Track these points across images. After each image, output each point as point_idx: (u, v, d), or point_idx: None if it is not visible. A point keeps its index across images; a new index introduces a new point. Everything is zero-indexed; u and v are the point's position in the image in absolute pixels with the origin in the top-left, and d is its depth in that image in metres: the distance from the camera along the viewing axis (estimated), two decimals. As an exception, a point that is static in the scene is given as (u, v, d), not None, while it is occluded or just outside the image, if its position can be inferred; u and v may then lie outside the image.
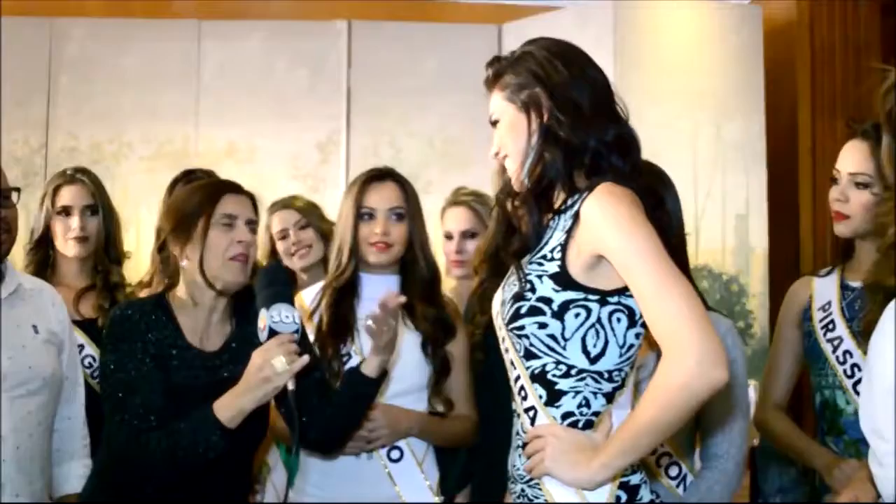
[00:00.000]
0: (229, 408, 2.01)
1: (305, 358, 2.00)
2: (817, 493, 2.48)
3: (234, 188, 2.21)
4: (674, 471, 2.17)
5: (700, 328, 1.53)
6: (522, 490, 1.71)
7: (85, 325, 2.70)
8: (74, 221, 2.83)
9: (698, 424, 2.18)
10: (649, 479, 1.72)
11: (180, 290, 2.18)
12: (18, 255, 2.72)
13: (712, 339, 1.53)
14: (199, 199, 2.18)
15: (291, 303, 2.05)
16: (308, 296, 2.57)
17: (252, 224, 2.20)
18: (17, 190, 2.28)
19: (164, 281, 2.23)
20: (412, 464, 2.44)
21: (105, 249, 2.88)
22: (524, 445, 1.71)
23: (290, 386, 1.99)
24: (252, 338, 2.07)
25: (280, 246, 3.26)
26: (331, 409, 2.22)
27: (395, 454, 2.42)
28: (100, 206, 2.88)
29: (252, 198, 2.24)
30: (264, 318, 2.01)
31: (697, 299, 1.58)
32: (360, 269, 2.49)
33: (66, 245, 2.84)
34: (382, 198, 2.47)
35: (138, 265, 3.16)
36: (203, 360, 2.13)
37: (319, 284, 2.58)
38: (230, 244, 2.13)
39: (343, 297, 2.47)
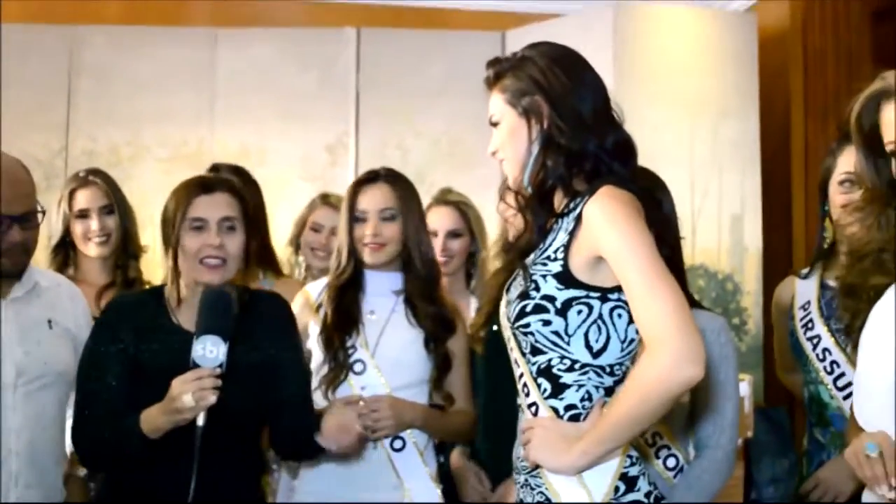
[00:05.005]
0: (149, 422, 2.00)
1: (212, 398, 1.91)
2: (804, 480, 2.52)
3: (205, 188, 2.16)
4: (671, 462, 2.23)
5: (680, 326, 1.56)
6: (526, 480, 1.75)
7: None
8: (94, 223, 2.86)
9: (693, 416, 2.23)
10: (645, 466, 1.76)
11: (171, 286, 2.19)
12: (41, 254, 2.73)
13: (691, 337, 1.56)
14: (173, 202, 2.16)
15: (224, 335, 1.98)
16: (314, 290, 2.64)
17: (228, 221, 2.15)
18: (43, 212, 2.28)
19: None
20: (414, 453, 2.51)
21: (123, 246, 2.90)
22: None
23: (200, 422, 1.94)
24: (251, 325, 2.09)
25: (310, 236, 3.23)
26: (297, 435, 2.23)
27: (397, 444, 2.49)
28: (115, 205, 2.90)
29: (232, 191, 2.19)
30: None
31: (683, 299, 1.60)
32: (362, 266, 2.55)
33: (88, 246, 2.87)
34: (373, 200, 2.53)
35: (156, 265, 3.23)
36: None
37: (325, 280, 2.63)
38: (200, 247, 2.12)
39: (345, 293, 2.53)
